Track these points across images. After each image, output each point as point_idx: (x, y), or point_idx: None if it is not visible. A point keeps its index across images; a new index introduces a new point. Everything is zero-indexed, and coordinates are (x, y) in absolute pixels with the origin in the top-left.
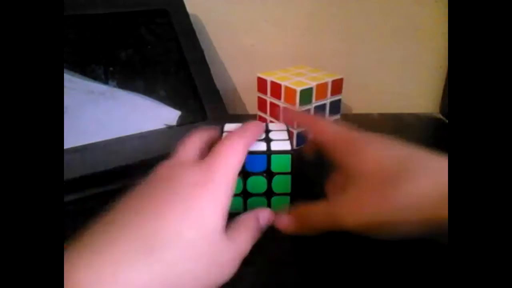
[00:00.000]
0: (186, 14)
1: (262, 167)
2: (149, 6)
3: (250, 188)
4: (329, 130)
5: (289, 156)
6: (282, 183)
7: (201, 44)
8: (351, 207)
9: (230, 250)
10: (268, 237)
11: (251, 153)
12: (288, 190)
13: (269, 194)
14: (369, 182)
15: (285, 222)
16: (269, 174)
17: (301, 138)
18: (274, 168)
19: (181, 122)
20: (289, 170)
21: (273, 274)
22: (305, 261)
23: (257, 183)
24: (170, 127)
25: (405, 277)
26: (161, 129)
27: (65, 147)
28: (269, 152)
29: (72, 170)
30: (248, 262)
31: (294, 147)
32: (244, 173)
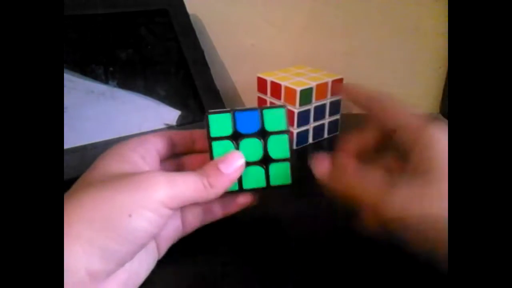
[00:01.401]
0: (186, 14)
1: (255, 125)
2: (149, 6)
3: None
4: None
5: (283, 109)
6: (279, 146)
7: (201, 44)
8: (413, 196)
9: None
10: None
11: (241, 111)
12: (287, 154)
13: (266, 160)
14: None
15: (325, 168)
16: (263, 134)
17: (302, 138)
18: (268, 125)
19: (181, 122)
20: (285, 127)
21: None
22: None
23: (251, 148)
24: (170, 127)
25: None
26: (161, 129)
27: (65, 147)
28: (261, 108)
29: (72, 170)
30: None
31: (294, 147)
32: (236, 135)
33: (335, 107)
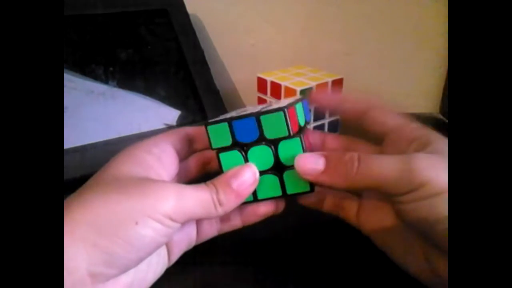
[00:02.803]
0: (186, 14)
1: (253, 133)
2: (149, 6)
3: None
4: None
5: (281, 113)
6: (291, 151)
7: (201, 44)
8: (434, 163)
9: None
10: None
11: (237, 118)
12: None
13: (278, 168)
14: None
15: (317, 165)
16: (272, 141)
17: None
18: (267, 133)
19: (181, 122)
20: (286, 133)
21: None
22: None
23: (261, 156)
24: (170, 127)
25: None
26: (161, 129)
27: (65, 147)
28: (257, 114)
29: (72, 170)
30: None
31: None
32: (240, 145)
33: None
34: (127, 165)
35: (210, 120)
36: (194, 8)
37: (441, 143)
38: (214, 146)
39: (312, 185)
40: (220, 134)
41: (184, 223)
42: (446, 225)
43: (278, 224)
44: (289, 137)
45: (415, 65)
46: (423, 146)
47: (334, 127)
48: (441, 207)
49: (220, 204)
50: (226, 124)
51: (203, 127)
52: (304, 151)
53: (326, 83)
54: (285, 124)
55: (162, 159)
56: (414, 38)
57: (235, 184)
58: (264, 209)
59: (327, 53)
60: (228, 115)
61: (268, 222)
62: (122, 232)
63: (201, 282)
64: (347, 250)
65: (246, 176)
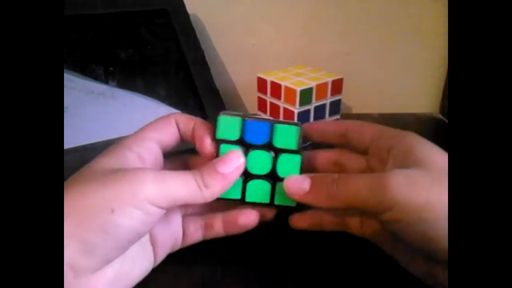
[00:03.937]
0: (186, 14)
1: (263, 137)
2: (149, 6)
3: (250, 167)
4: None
5: (297, 128)
6: (290, 166)
7: (201, 44)
8: (410, 181)
9: None
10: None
11: (251, 119)
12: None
13: (273, 177)
14: (431, 171)
15: (304, 186)
16: (273, 150)
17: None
18: (277, 141)
19: None
20: (295, 147)
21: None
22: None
23: (260, 160)
24: None
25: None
26: None
27: (65, 147)
28: (273, 122)
29: (72, 170)
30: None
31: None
32: (244, 144)
33: (335, 107)
34: (108, 160)
35: (224, 111)
36: (194, 8)
37: (424, 151)
38: (218, 136)
39: (299, 203)
40: (229, 128)
41: (168, 208)
42: (437, 245)
43: (278, 224)
44: (294, 151)
45: (415, 65)
46: (403, 155)
47: None
48: (425, 227)
49: (206, 186)
50: (239, 120)
51: (188, 118)
52: (301, 170)
53: (326, 83)
54: (297, 138)
55: (143, 157)
56: (414, 38)
57: (220, 167)
58: (244, 219)
59: (327, 53)
60: (241, 114)
61: (268, 222)
62: (98, 221)
63: (201, 282)
64: (347, 250)
65: (232, 159)
